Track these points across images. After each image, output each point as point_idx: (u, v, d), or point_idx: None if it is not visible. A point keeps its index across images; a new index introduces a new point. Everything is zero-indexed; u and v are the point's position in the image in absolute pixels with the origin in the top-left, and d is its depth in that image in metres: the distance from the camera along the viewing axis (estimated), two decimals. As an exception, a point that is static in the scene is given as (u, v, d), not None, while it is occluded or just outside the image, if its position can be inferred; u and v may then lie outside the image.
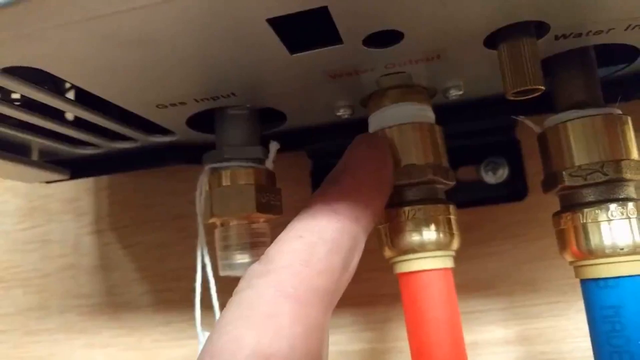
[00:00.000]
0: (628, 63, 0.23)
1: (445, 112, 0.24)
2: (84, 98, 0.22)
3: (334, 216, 0.19)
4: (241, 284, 0.18)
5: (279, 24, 0.16)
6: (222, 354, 0.16)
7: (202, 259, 0.24)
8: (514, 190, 0.30)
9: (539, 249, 0.30)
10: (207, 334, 0.25)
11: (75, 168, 0.30)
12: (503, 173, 0.30)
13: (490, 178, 0.30)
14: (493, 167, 0.30)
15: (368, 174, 0.20)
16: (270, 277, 0.17)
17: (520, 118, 0.23)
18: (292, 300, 0.17)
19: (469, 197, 0.30)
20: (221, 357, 0.16)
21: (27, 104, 0.22)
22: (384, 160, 0.21)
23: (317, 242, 0.18)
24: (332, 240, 0.18)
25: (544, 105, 0.23)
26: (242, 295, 0.17)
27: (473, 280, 0.30)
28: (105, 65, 0.18)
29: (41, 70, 0.18)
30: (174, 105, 0.22)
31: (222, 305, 0.25)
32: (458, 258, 0.22)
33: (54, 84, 0.23)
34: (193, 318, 0.25)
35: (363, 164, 0.20)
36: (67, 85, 0.25)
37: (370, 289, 0.32)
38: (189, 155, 0.29)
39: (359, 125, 0.25)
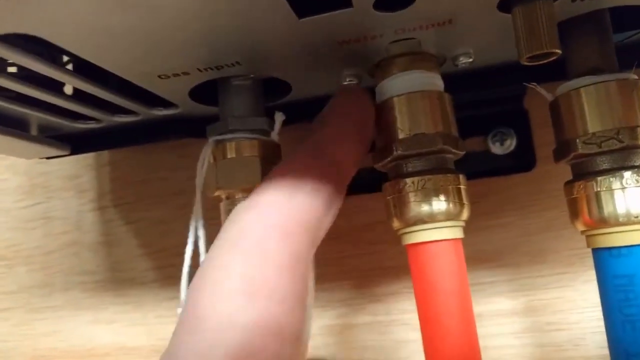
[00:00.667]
0: (642, 27, 0.23)
1: (454, 81, 0.23)
2: (83, 71, 0.22)
3: (319, 159, 0.19)
4: (227, 221, 0.18)
5: (286, -14, 0.16)
6: (210, 281, 0.16)
7: (196, 232, 0.24)
8: (522, 161, 0.30)
9: (547, 220, 0.30)
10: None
11: (75, 143, 0.29)
12: (511, 144, 0.30)
13: (497, 149, 0.30)
14: (501, 138, 0.30)
15: (353, 120, 0.21)
16: (255, 210, 0.18)
17: (533, 85, 0.23)
18: (278, 231, 0.17)
19: (476, 168, 0.30)
20: (210, 285, 0.16)
21: (25, 77, 0.22)
22: (366, 106, 0.22)
23: (301, 181, 0.18)
24: (317, 180, 0.19)
25: (555, 73, 0.23)
26: (229, 229, 0.18)
27: (479, 251, 0.30)
28: (105, 32, 0.17)
29: (38, 43, 0.18)
30: (176, 75, 0.21)
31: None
32: (465, 229, 0.22)
33: (52, 57, 0.23)
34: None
35: (348, 110, 0.21)
36: (66, 59, 0.24)
37: (374, 261, 0.32)
38: (191, 128, 0.28)
39: (365, 95, 0.24)
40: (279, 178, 0.19)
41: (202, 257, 0.25)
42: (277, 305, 0.16)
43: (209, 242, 0.24)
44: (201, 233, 0.25)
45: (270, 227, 0.17)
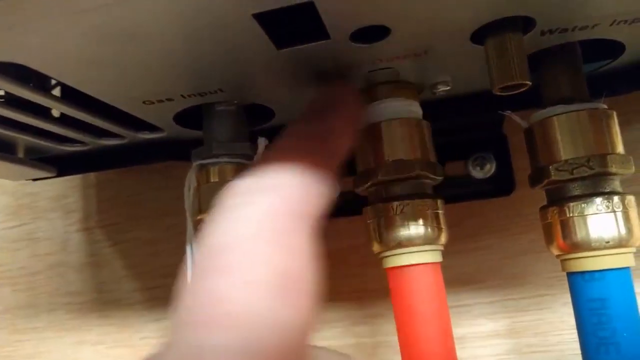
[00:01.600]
0: (613, 58, 0.24)
1: (433, 108, 0.24)
2: (71, 95, 0.22)
3: (326, 149, 0.18)
4: (234, 199, 0.16)
5: (265, 19, 0.16)
6: (238, 272, 0.14)
7: (192, 255, 0.24)
8: (501, 185, 0.30)
9: (526, 243, 0.30)
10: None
11: (62, 165, 0.30)
12: (490, 168, 0.30)
13: (477, 173, 0.30)
14: (481, 162, 0.30)
15: (350, 114, 0.20)
16: (276, 192, 0.16)
17: (507, 113, 0.23)
18: (304, 219, 0.16)
19: (456, 192, 0.30)
20: (237, 276, 0.14)
21: (12, 101, 0.22)
22: (359, 100, 0.21)
23: (313, 167, 0.17)
24: (326, 168, 0.18)
25: (531, 100, 0.24)
26: (242, 212, 0.15)
27: (461, 274, 0.31)
28: (90, 60, 0.18)
29: (25, 67, 0.18)
30: (160, 101, 0.22)
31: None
32: (446, 252, 0.23)
33: (39, 81, 0.23)
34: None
35: (345, 103, 0.20)
36: (53, 82, 0.24)
37: (360, 283, 0.32)
38: (177, 151, 0.29)
39: (347, 120, 0.25)
40: (288, 160, 0.17)
41: None
42: (310, 301, 0.15)
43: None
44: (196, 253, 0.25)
45: (298, 217, 0.15)
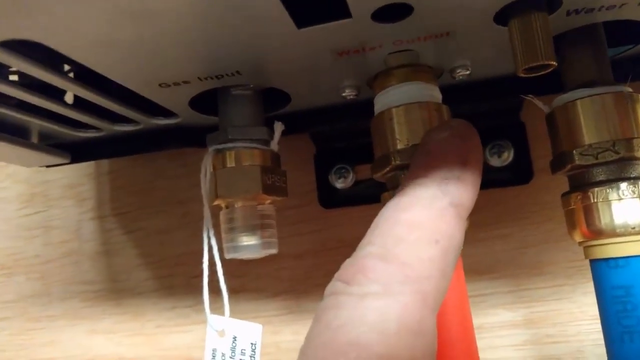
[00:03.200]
0: (637, 43, 0.23)
1: (451, 93, 0.24)
2: (85, 79, 0.22)
3: (459, 221, 0.17)
4: (368, 286, 0.15)
5: (286, -3, 0.16)
6: None
7: (209, 241, 0.24)
8: (519, 173, 0.30)
9: (544, 232, 0.30)
10: (215, 316, 0.25)
11: (75, 152, 0.30)
12: (508, 156, 0.30)
13: (495, 161, 0.30)
14: (498, 150, 0.30)
15: (477, 160, 0.18)
16: (414, 287, 0.15)
17: (529, 97, 0.23)
18: (433, 314, 0.15)
19: (474, 180, 0.30)
20: None
21: (27, 85, 0.22)
22: (479, 140, 0.19)
23: (449, 249, 0.16)
24: (459, 247, 0.17)
25: (552, 86, 0.23)
26: (379, 303, 0.15)
27: (478, 263, 0.30)
28: (106, 40, 0.18)
29: (40, 50, 0.18)
30: (177, 84, 0.22)
31: (229, 288, 0.25)
32: (463, 241, 0.22)
33: (54, 66, 0.23)
34: (199, 302, 0.25)
35: (473, 156, 0.18)
36: (67, 68, 0.24)
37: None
38: (191, 138, 0.28)
39: (364, 106, 0.25)
40: (432, 243, 0.16)
41: (218, 263, 0.24)
42: None
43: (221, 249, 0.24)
44: (214, 241, 0.25)
45: (429, 312, 0.15)
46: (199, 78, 0.22)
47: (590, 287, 0.21)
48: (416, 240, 0.16)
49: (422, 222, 0.16)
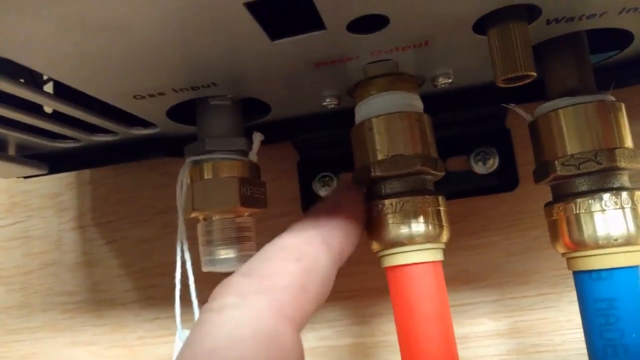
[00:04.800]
0: (621, 49, 0.23)
1: (434, 101, 0.23)
2: (62, 91, 0.22)
3: (325, 247, 0.19)
4: (226, 298, 0.16)
5: (258, 9, 0.16)
6: None
7: (182, 254, 0.24)
8: (505, 180, 0.30)
9: (530, 240, 0.29)
10: (186, 331, 0.24)
11: (54, 162, 0.29)
12: (493, 163, 0.29)
13: (480, 168, 0.29)
14: (483, 157, 0.29)
15: (351, 211, 0.21)
16: (269, 295, 0.16)
17: (511, 106, 0.23)
18: (292, 323, 0.16)
19: (458, 188, 0.29)
20: None
21: (3, 98, 0.21)
22: (361, 200, 0.22)
23: (312, 269, 0.18)
24: (325, 269, 0.18)
25: (535, 93, 0.23)
26: (234, 314, 0.16)
27: (463, 272, 0.30)
28: (76, 54, 0.17)
29: (14, 65, 0.18)
30: (152, 96, 0.21)
31: (202, 302, 0.24)
32: (447, 250, 0.22)
33: (31, 77, 0.22)
34: (182, 312, 0.24)
35: (347, 202, 0.21)
36: (45, 77, 0.24)
37: (359, 282, 0.31)
38: (171, 147, 0.28)
39: (345, 115, 0.24)
40: (293, 260, 0.18)
41: (190, 277, 0.24)
42: None
43: (195, 263, 0.23)
44: (187, 255, 0.24)
45: (285, 319, 0.16)
46: (174, 90, 0.21)
47: (575, 296, 0.21)
48: (280, 258, 0.18)
49: (290, 245, 0.18)
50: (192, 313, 0.24)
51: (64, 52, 0.17)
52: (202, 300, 0.24)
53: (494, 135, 0.29)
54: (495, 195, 0.30)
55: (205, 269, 0.23)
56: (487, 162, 0.29)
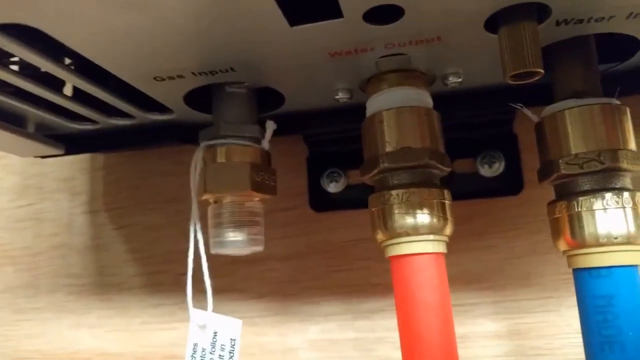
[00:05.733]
0: (628, 57, 0.23)
1: (443, 103, 0.24)
2: (83, 72, 0.22)
3: None
4: None
5: (279, -6, 0.16)
6: None
7: (195, 235, 0.24)
8: (510, 184, 0.30)
9: (533, 243, 0.30)
10: (198, 311, 0.25)
11: (70, 144, 0.30)
12: (499, 167, 0.30)
13: (486, 171, 0.30)
14: (489, 160, 0.30)
15: None
16: None
17: (519, 106, 0.23)
18: None
19: (464, 189, 0.30)
20: None
21: (26, 74, 0.22)
22: None
23: None
24: None
25: (542, 97, 0.23)
26: None
27: (465, 272, 0.30)
28: (102, 29, 0.18)
29: (41, 40, 0.18)
30: (171, 78, 0.22)
31: (216, 288, 0.25)
32: (450, 250, 0.22)
33: (53, 55, 0.23)
34: (185, 300, 0.25)
35: None
36: (67, 61, 0.25)
37: (363, 277, 0.32)
38: (185, 135, 0.29)
39: (356, 111, 0.25)
40: None
41: (204, 260, 0.25)
42: None
43: (207, 244, 0.24)
44: (200, 236, 0.25)
45: None
46: (193, 73, 0.22)
47: (576, 300, 0.22)
48: None
49: None
50: (205, 292, 0.24)
51: (91, 27, 0.18)
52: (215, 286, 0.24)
53: (501, 140, 0.30)
54: (500, 198, 0.30)
55: (213, 250, 0.24)
56: (493, 165, 0.30)
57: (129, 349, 0.35)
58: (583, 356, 0.21)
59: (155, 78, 0.22)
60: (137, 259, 0.35)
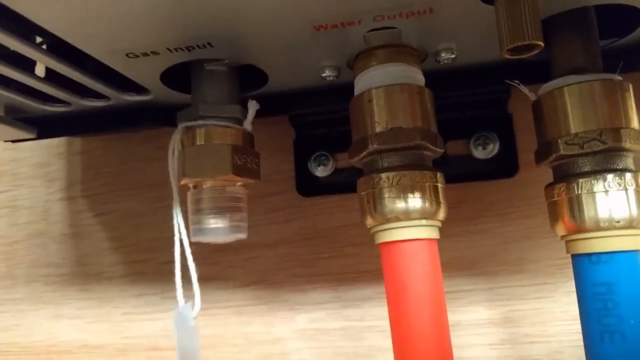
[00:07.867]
0: (630, 31, 0.22)
1: (435, 81, 0.23)
2: (56, 50, 0.21)
3: None
4: None
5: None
6: None
7: (178, 223, 0.23)
8: (504, 166, 0.29)
9: (527, 228, 0.29)
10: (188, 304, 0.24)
11: (43, 127, 0.28)
12: (493, 148, 0.29)
13: (479, 153, 0.29)
14: (483, 142, 0.29)
15: None
16: None
17: (515, 83, 0.22)
18: None
19: (457, 172, 0.29)
20: None
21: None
22: None
23: None
24: None
25: (539, 75, 0.22)
26: None
27: (458, 258, 0.29)
28: (70, 4, 0.16)
29: (8, 18, 0.17)
30: (145, 54, 0.21)
31: (200, 276, 0.24)
32: (442, 235, 0.21)
33: (23, 34, 0.22)
34: (167, 290, 0.24)
35: None
36: (38, 40, 0.23)
37: (351, 265, 0.31)
38: (164, 117, 0.27)
39: (344, 90, 0.24)
40: None
41: (187, 247, 0.23)
42: None
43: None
44: (182, 225, 0.23)
45: None
46: (168, 49, 0.20)
47: (572, 286, 0.21)
48: None
49: None
50: (190, 280, 0.23)
51: (60, 2, 0.16)
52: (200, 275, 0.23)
53: (496, 120, 0.29)
54: (494, 181, 0.29)
55: (194, 238, 0.22)
56: (487, 147, 0.29)
57: (111, 340, 0.33)
58: (578, 343, 0.20)
59: (127, 55, 0.21)
60: (118, 247, 0.34)
